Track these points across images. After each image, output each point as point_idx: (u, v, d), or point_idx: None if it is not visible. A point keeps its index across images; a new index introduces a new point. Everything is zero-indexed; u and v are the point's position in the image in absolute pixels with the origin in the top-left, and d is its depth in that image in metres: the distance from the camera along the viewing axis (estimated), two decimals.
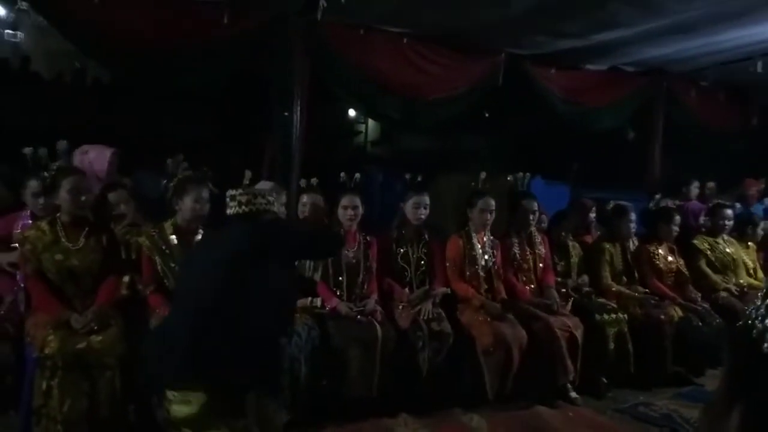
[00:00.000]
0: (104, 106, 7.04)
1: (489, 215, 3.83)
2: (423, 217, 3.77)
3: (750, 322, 0.76)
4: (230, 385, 2.16)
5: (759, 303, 0.77)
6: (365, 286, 3.61)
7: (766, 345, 0.71)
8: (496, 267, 3.88)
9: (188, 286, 2.34)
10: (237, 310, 2.17)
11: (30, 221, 3.20)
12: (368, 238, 3.70)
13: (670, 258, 4.39)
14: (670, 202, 4.77)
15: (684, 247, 4.55)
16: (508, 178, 4.26)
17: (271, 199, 2.47)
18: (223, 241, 2.41)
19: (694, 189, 5.34)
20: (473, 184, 4.09)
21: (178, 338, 2.16)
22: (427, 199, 3.78)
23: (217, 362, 2.12)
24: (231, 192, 2.42)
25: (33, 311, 2.91)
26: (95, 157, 3.38)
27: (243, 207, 2.39)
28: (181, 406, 2.12)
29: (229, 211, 2.41)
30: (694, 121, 6.14)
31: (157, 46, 4.18)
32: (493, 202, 3.85)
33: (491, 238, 3.92)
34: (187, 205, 3.06)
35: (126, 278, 3.17)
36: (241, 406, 2.22)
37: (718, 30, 4.46)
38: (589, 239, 4.51)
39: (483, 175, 4.31)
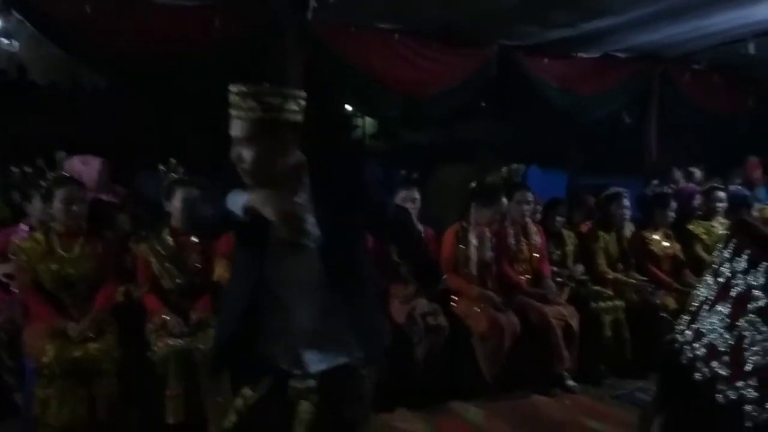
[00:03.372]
0: (102, 112, 7.07)
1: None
2: (413, 211, 3.77)
3: (676, 335, 0.78)
4: None
5: (685, 316, 0.80)
6: None
7: (684, 357, 0.74)
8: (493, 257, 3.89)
9: None
10: None
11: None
12: None
13: (665, 243, 4.39)
14: (666, 188, 4.75)
15: (679, 232, 4.54)
16: (503, 170, 4.25)
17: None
18: None
19: (677, 174, 5.35)
20: (483, 175, 4.10)
21: None
22: (416, 194, 3.80)
23: None
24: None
25: (30, 321, 2.94)
26: (84, 170, 3.42)
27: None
28: None
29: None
30: (690, 105, 6.10)
31: (149, 52, 4.20)
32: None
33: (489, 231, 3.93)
34: (175, 206, 3.12)
35: (121, 288, 3.22)
36: None
37: (709, 13, 4.43)
38: (585, 228, 4.52)
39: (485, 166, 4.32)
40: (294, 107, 1.65)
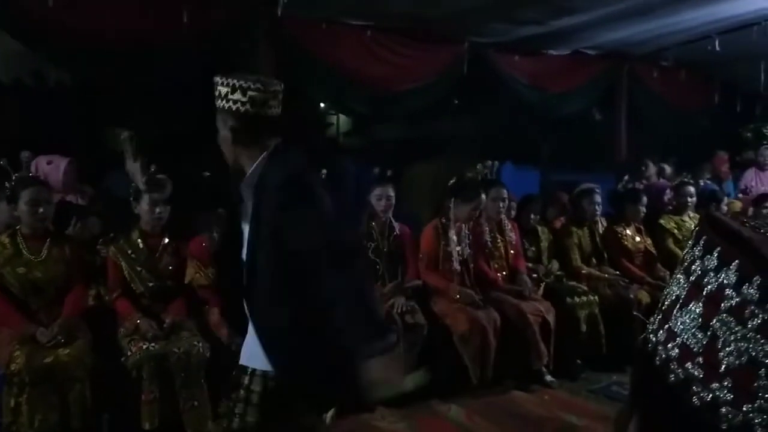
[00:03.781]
0: (69, 109, 6.88)
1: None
2: (387, 208, 3.77)
3: (648, 335, 0.77)
4: None
5: (656, 315, 0.79)
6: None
7: (658, 359, 0.73)
8: (471, 254, 3.90)
9: None
10: None
11: None
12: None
13: (637, 238, 4.47)
14: (637, 183, 4.84)
15: (651, 226, 4.62)
16: (477, 167, 4.26)
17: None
18: None
19: (652, 169, 5.46)
20: (456, 172, 4.11)
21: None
22: (390, 191, 3.78)
23: None
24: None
25: None
26: (50, 170, 3.32)
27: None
28: None
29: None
30: (658, 101, 6.23)
31: (115, 47, 4.11)
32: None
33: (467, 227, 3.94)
34: (143, 208, 3.06)
35: (92, 291, 3.14)
36: None
37: (676, 10, 4.52)
38: (558, 224, 4.57)
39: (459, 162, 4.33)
40: (237, 97, 1.69)
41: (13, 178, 3.03)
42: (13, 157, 3.20)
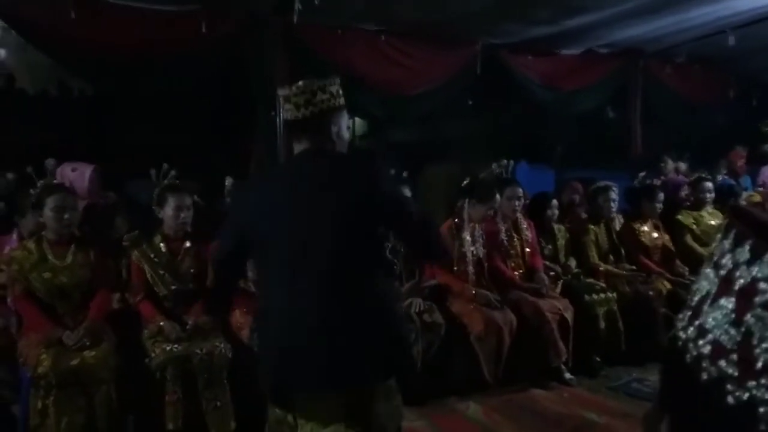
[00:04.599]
0: (91, 118, 6.99)
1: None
2: None
3: (678, 332, 0.76)
4: None
5: (685, 311, 0.77)
6: None
7: (688, 356, 0.71)
8: (485, 254, 3.90)
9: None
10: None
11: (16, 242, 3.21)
12: None
13: (655, 234, 4.45)
14: (655, 179, 4.81)
15: (669, 222, 4.60)
16: (492, 166, 4.26)
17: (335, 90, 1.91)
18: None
19: (670, 165, 5.44)
20: (471, 172, 4.11)
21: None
22: (407, 192, 3.79)
23: None
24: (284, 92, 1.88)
25: (24, 331, 2.91)
26: (75, 178, 3.38)
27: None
28: None
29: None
30: (673, 97, 6.21)
31: (137, 58, 4.18)
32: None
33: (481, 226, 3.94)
34: (167, 213, 3.10)
35: (117, 295, 3.19)
36: None
37: (687, 7, 4.51)
38: (572, 220, 4.56)
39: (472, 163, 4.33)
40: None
41: (39, 185, 3.08)
42: (39, 165, 3.25)
